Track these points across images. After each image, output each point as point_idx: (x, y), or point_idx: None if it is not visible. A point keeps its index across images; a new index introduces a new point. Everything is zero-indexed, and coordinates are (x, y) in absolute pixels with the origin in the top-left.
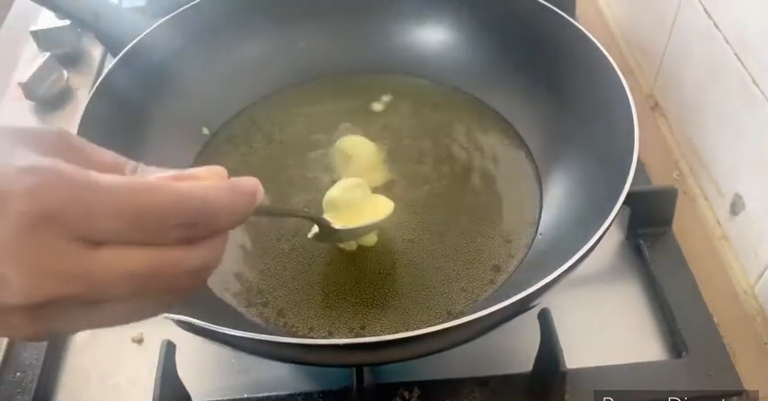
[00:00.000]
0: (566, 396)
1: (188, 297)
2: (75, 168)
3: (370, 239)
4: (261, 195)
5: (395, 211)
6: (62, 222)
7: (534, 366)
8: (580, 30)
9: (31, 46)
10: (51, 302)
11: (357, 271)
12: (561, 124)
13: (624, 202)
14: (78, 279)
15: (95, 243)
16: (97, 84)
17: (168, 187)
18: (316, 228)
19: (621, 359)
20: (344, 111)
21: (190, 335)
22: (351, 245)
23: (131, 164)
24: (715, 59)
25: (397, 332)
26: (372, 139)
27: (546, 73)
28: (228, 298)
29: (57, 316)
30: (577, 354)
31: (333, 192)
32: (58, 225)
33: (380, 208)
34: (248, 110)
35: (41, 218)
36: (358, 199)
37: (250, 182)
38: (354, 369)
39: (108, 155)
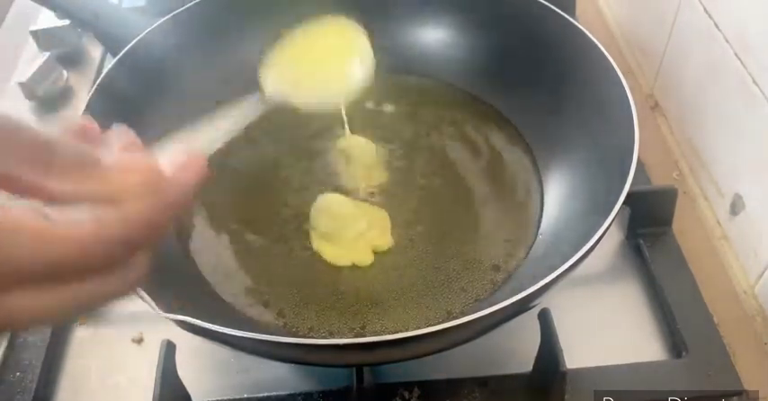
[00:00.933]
0: (566, 396)
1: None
2: None
3: (367, 258)
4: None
5: (395, 209)
6: None
7: (534, 366)
8: (580, 29)
9: (31, 46)
10: None
11: (357, 272)
12: (561, 124)
13: (624, 202)
14: None
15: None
16: (97, 83)
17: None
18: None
19: (621, 359)
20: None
21: (190, 335)
22: (366, 260)
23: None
24: (715, 59)
25: (397, 332)
26: (372, 139)
27: (546, 73)
28: (228, 299)
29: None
30: (577, 354)
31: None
32: None
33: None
34: None
35: None
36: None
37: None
38: (354, 369)
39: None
